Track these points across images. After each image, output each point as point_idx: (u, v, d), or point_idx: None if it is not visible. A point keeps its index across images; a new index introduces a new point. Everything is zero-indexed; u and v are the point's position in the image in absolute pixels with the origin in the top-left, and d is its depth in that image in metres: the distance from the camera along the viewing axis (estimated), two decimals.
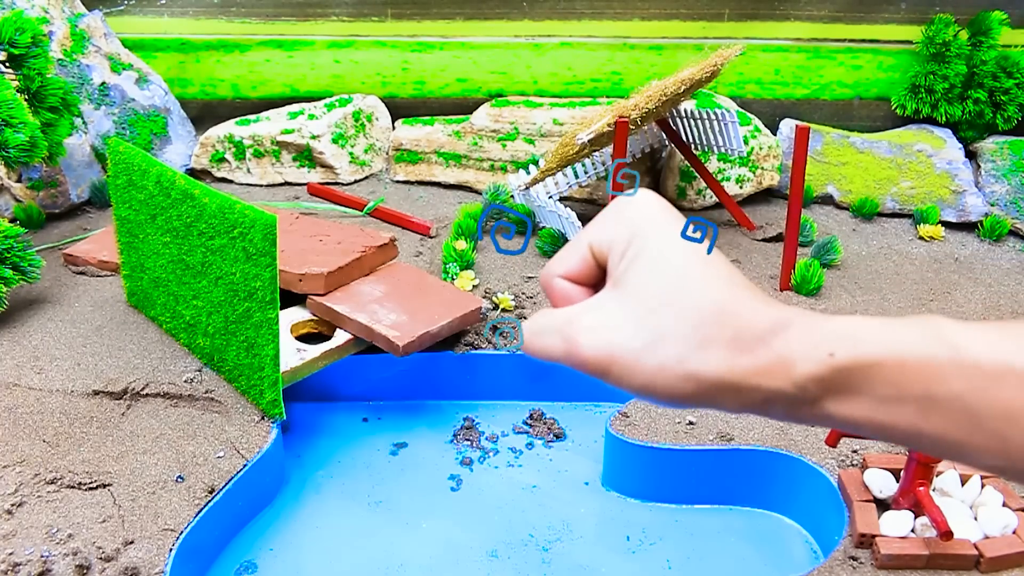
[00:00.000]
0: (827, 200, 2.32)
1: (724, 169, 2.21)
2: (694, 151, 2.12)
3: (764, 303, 0.52)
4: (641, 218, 0.56)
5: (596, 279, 0.59)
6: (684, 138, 2.12)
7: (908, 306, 1.84)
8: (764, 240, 2.10)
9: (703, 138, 2.08)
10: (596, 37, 2.41)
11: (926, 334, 0.50)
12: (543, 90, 2.45)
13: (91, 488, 1.29)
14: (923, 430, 0.49)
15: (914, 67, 2.39)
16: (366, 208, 2.18)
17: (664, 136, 2.17)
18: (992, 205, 2.23)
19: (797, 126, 1.80)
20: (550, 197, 1.99)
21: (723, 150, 2.07)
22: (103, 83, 2.26)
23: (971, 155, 2.36)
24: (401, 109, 2.49)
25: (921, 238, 2.18)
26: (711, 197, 2.23)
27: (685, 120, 2.10)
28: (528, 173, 2.07)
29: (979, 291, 1.93)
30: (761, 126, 2.30)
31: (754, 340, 0.51)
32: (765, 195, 2.32)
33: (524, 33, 2.41)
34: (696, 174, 2.17)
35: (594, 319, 0.55)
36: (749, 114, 2.31)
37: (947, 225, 2.22)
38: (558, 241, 1.96)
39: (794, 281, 1.84)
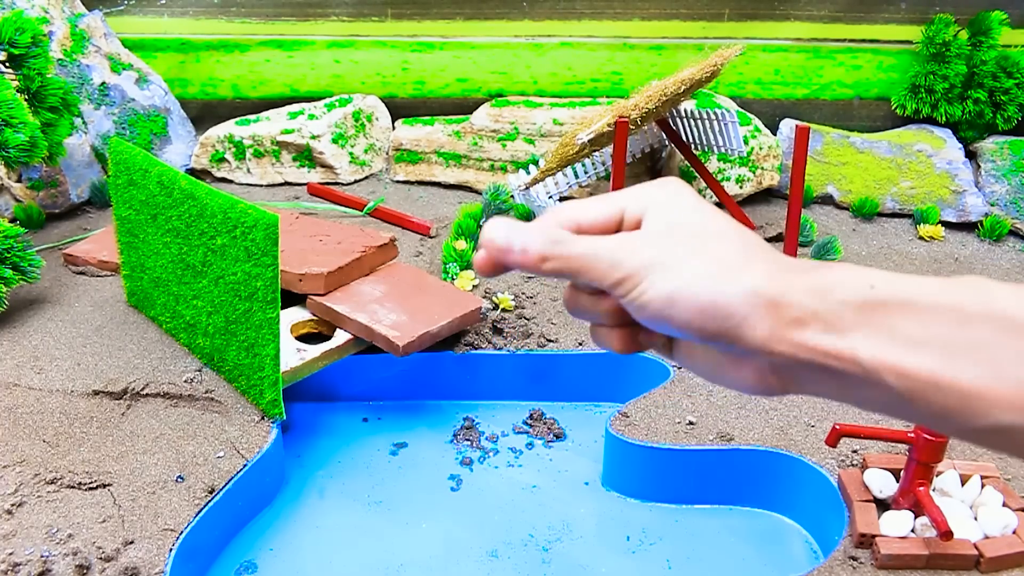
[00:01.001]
0: (827, 200, 2.31)
1: (724, 169, 2.21)
2: (694, 151, 2.12)
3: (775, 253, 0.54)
4: (677, 190, 0.57)
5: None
6: (684, 138, 2.12)
7: None
8: (764, 240, 2.04)
9: (703, 138, 2.08)
10: (596, 37, 2.41)
11: (964, 284, 0.50)
12: (543, 90, 2.45)
13: (91, 488, 1.29)
14: (942, 378, 0.48)
15: (914, 67, 2.39)
16: (366, 208, 2.18)
17: (664, 136, 2.16)
18: (992, 205, 2.23)
19: (797, 126, 1.79)
20: (550, 197, 1.99)
21: (723, 150, 2.06)
22: (103, 83, 2.26)
23: (971, 155, 2.36)
24: (401, 109, 2.49)
25: (921, 238, 2.17)
26: (711, 197, 2.23)
27: (685, 120, 2.10)
28: (528, 173, 2.06)
29: None
30: (761, 126, 2.30)
31: (797, 266, 0.53)
32: (765, 195, 2.32)
33: (524, 33, 2.41)
34: (696, 174, 2.17)
35: (624, 239, 0.56)
36: (749, 114, 2.32)
37: (947, 225, 2.23)
38: None
39: None
